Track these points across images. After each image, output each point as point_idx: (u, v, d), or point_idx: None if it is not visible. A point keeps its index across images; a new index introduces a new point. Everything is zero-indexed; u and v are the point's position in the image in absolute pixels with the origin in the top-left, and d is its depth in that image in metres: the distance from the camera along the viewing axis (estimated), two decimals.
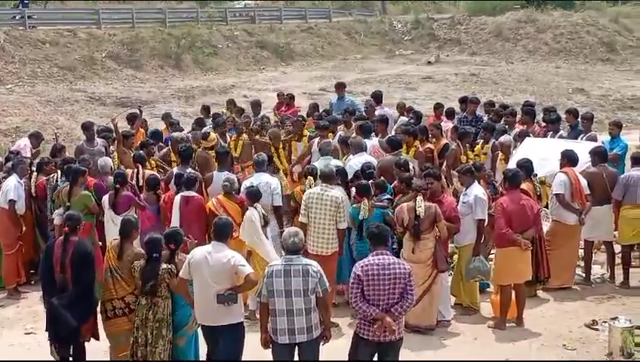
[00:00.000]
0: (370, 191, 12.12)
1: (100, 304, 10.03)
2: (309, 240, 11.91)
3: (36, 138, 17.63)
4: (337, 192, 12.19)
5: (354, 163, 13.93)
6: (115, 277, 9.82)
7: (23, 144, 17.54)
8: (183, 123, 19.80)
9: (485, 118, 18.22)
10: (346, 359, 9.24)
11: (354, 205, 12.16)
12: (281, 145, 16.45)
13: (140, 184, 13.94)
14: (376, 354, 9.12)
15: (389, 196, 12.55)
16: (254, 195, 12.18)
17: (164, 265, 9.49)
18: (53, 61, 34.60)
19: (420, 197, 11.40)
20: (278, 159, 16.25)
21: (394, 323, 8.83)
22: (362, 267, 8.79)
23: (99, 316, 10.16)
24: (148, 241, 9.66)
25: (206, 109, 20.91)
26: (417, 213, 11.27)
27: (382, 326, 8.76)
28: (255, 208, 12.02)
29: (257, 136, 16.76)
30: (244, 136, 16.74)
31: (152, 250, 9.54)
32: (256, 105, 20.46)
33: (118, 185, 13.14)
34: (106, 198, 13.21)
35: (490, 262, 12.35)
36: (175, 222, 12.40)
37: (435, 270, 11.43)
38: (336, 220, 12.00)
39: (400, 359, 10.38)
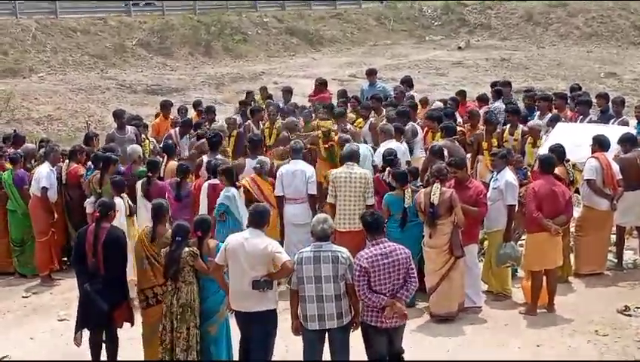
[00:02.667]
0: (407, 178, 12.16)
1: (139, 293, 10.10)
2: (339, 219, 12.18)
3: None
4: (364, 169, 12.63)
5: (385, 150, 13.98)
6: (153, 263, 9.88)
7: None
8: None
9: (497, 104, 18.23)
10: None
11: (390, 193, 12.19)
12: None
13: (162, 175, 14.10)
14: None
15: (420, 183, 12.59)
16: (119, 185, 12.49)
17: (186, 249, 9.52)
18: (84, 49, 34.77)
19: (436, 184, 11.39)
20: None
21: (404, 308, 8.88)
22: (367, 259, 8.74)
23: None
24: (174, 226, 9.75)
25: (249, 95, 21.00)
26: (431, 199, 11.28)
27: (392, 311, 8.77)
28: (122, 198, 12.31)
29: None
30: (279, 122, 16.72)
31: (176, 233, 9.59)
32: (288, 92, 20.42)
33: (150, 174, 13.26)
34: (139, 185, 13.33)
35: (520, 248, 12.31)
36: (203, 209, 12.47)
37: (452, 256, 11.44)
38: (365, 196, 12.34)
39: (427, 347, 10.50)
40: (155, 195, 12.89)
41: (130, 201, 12.56)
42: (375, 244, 8.88)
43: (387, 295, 8.75)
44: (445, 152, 13.05)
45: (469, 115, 16.56)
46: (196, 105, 20.20)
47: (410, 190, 12.02)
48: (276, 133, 16.54)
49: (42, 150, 15.13)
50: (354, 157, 12.75)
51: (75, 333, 10.09)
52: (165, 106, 19.36)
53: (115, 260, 9.87)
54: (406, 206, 11.89)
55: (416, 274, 9.03)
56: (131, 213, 12.43)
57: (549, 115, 16.69)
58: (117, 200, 12.05)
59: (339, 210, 12.39)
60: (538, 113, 17.10)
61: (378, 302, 8.73)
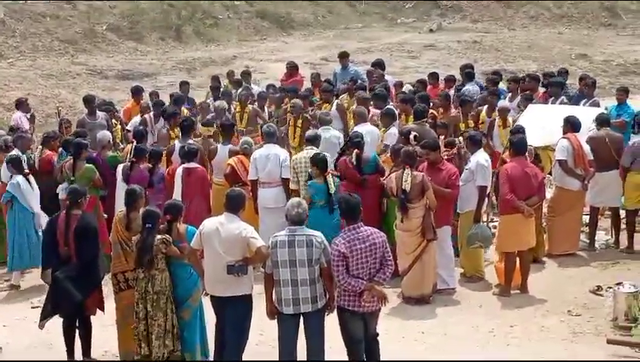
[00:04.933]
0: (327, 165, 12.12)
1: (112, 277, 10.07)
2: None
3: (25, 105, 18.05)
4: (323, 153, 12.55)
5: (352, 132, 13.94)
6: (125, 249, 9.88)
7: (18, 116, 17.62)
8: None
9: (468, 86, 18.27)
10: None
11: (312, 180, 12.11)
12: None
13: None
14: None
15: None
16: None
17: (158, 236, 9.49)
18: (53, 34, 34.40)
19: (407, 171, 11.39)
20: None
21: (383, 291, 8.92)
22: (345, 244, 8.73)
23: (106, 289, 10.30)
24: (143, 212, 9.71)
25: (215, 79, 20.64)
26: (403, 186, 11.28)
27: (371, 295, 8.80)
28: None
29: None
30: (249, 107, 16.72)
31: (145, 220, 9.55)
32: (247, 75, 20.62)
33: (134, 159, 13.20)
34: (119, 171, 13.27)
35: (493, 230, 12.37)
36: (177, 194, 12.45)
37: (425, 239, 11.45)
38: None
39: (401, 329, 10.52)
40: (134, 181, 12.83)
41: None
42: (352, 229, 8.88)
43: (365, 279, 8.77)
44: (411, 136, 12.94)
45: (441, 98, 16.55)
46: (176, 101, 19.08)
47: (331, 176, 12.01)
48: (247, 117, 16.53)
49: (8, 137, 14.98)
50: (313, 141, 12.82)
51: (41, 320, 10.08)
52: (136, 92, 19.22)
53: (87, 247, 9.83)
54: (331, 193, 11.86)
55: (392, 258, 9.07)
56: None
57: (519, 96, 16.78)
58: None
59: (302, 194, 12.33)
60: (509, 95, 17.19)
61: (357, 287, 8.73)
